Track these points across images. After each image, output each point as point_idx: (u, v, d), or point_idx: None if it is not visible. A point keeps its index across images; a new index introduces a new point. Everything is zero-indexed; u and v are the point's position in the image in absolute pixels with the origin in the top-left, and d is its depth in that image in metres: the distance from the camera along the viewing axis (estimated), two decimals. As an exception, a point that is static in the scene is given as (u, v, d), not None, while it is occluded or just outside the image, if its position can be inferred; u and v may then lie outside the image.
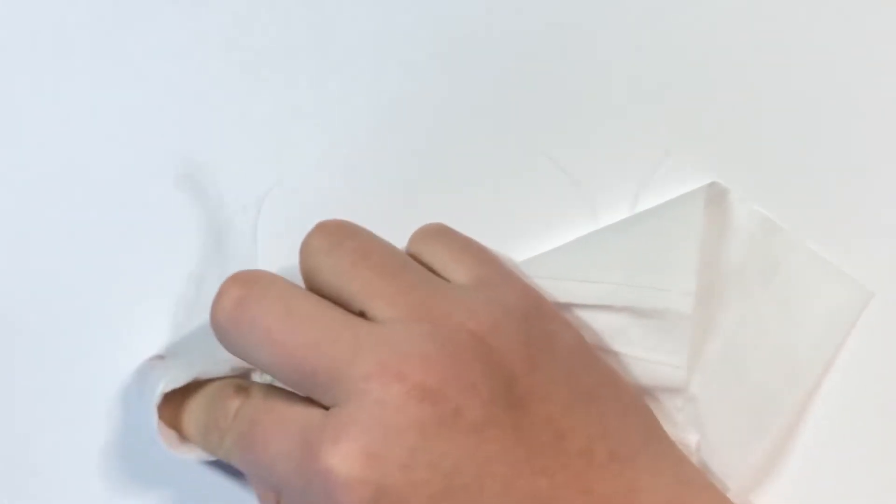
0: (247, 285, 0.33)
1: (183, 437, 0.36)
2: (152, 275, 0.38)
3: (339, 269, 0.33)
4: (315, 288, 0.34)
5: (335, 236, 0.34)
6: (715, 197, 0.38)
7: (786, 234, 0.38)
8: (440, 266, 0.35)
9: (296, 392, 0.33)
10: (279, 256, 0.38)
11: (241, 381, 0.35)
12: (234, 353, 0.33)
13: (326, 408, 0.31)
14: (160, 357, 0.37)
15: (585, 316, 0.36)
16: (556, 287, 0.36)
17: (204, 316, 0.37)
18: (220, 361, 0.35)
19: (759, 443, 0.37)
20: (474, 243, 0.36)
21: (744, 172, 0.39)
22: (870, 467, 0.38)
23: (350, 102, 0.39)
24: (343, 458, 0.30)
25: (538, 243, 0.38)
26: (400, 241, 0.36)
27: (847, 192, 0.39)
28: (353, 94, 0.39)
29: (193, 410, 0.35)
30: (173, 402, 0.35)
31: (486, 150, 0.39)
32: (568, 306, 0.36)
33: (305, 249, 0.34)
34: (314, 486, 0.30)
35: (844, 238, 0.39)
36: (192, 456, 0.35)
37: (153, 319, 0.38)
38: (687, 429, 0.36)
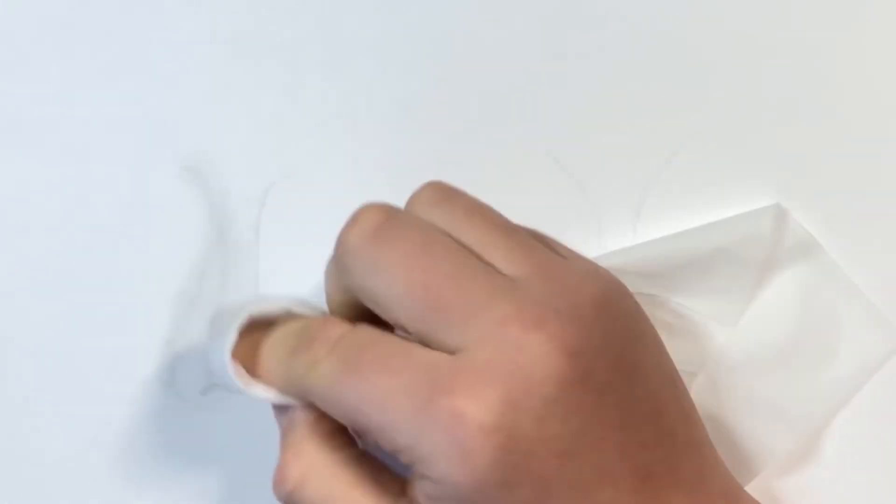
0: (387, 213, 0.31)
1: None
2: (155, 267, 0.38)
3: (454, 218, 0.32)
4: None
5: (445, 191, 0.33)
6: (776, 218, 0.37)
7: (830, 261, 0.38)
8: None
9: (417, 333, 0.30)
10: (282, 250, 0.38)
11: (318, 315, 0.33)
12: (355, 284, 0.31)
13: (451, 353, 0.30)
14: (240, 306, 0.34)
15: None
16: None
17: (206, 309, 0.37)
18: (314, 307, 0.32)
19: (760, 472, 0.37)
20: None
21: (749, 174, 0.39)
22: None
23: (354, 98, 0.39)
24: (480, 401, 0.28)
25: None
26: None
27: (858, 190, 0.39)
28: (358, 89, 0.39)
29: (278, 338, 0.33)
30: (248, 344, 0.33)
31: (490, 151, 0.39)
32: None
33: (416, 201, 0.32)
34: (436, 428, 0.29)
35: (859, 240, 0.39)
36: (260, 393, 0.32)
37: (155, 312, 0.38)
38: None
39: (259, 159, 0.39)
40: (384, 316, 0.31)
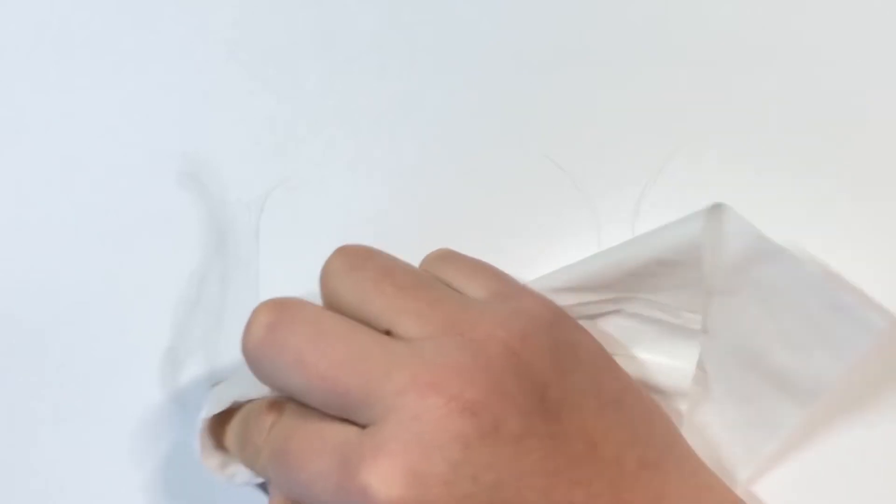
0: (276, 311, 0.32)
1: (229, 459, 0.35)
2: (154, 274, 0.38)
3: (362, 288, 0.33)
4: (338, 310, 0.33)
5: (355, 258, 0.33)
6: (714, 217, 0.37)
7: (790, 255, 0.37)
8: (456, 284, 0.34)
9: (334, 413, 0.32)
10: (281, 256, 0.38)
11: (276, 398, 0.34)
12: (266, 381, 0.33)
13: (362, 427, 0.31)
14: (216, 383, 0.37)
15: (595, 323, 0.36)
16: (566, 298, 0.36)
17: (206, 315, 0.37)
18: (260, 385, 0.34)
19: (755, 455, 0.37)
20: (483, 262, 0.36)
21: (748, 174, 0.39)
22: (876, 461, 0.38)
23: (353, 103, 0.39)
24: (382, 477, 0.29)
25: (540, 247, 0.38)
26: (404, 243, 0.36)
27: (857, 201, 0.39)
28: (356, 94, 0.39)
29: (234, 427, 0.35)
30: (221, 424, 0.35)
31: (490, 152, 0.39)
32: (579, 315, 0.36)
33: (326, 272, 0.34)
34: None
35: (851, 247, 0.38)
36: (238, 478, 0.35)
37: (154, 318, 0.38)
38: (684, 432, 0.36)
39: (258, 165, 0.39)
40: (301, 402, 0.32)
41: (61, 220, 0.38)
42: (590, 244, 0.38)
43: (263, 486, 0.36)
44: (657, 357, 0.36)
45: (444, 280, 0.35)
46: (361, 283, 0.33)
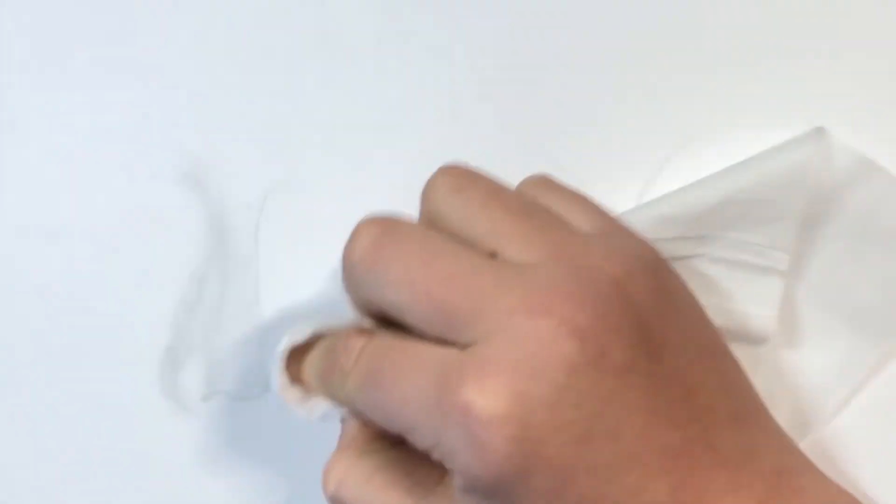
0: (382, 226, 0.31)
1: (306, 393, 0.34)
2: (154, 275, 0.38)
3: (469, 209, 0.32)
4: (440, 230, 0.32)
5: (462, 178, 0.33)
6: (819, 140, 0.36)
7: (889, 176, 0.37)
8: (560, 212, 0.33)
9: (433, 334, 0.31)
10: (281, 256, 0.38)
11: (364, 325, 0.33)
12: (365, 297, 0.32)
13: (463, 348, 0.30)
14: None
15: (682, 265, 0.36)
16: (660, 230, 0.36)
17: (206, 316, 0.37)
18: (343, 318, 0.33)
19: (831, 396, 0.37)
20: (582, 194, 0.35)
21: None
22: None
23: (352, 103, 0.39)
24: (487, 393, 0.28)
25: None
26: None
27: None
28: (355, 95, 0.39)
29: (314, 358, 0.34)
30: (294, 365, 0.34)
31: (489, 153, 0.39)
32: (670, 255, 0.36)
33: (430, 192, 0.33)
34: (452, 425, 0.29)
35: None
36: (317, 410, 0.33)
37: (154, 319, 0.38)
38: (769, 379, 0.36)
39: (258, 165, 0.39)
40: (400, 321, 0.31)
41: (61, 221, 0.38)
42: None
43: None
44: (740, 305, 0.36)
45: (549, 206, 0.34)
46: (468, 204, 0.32)
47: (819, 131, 0.36)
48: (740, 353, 0.36)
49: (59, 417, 0.37)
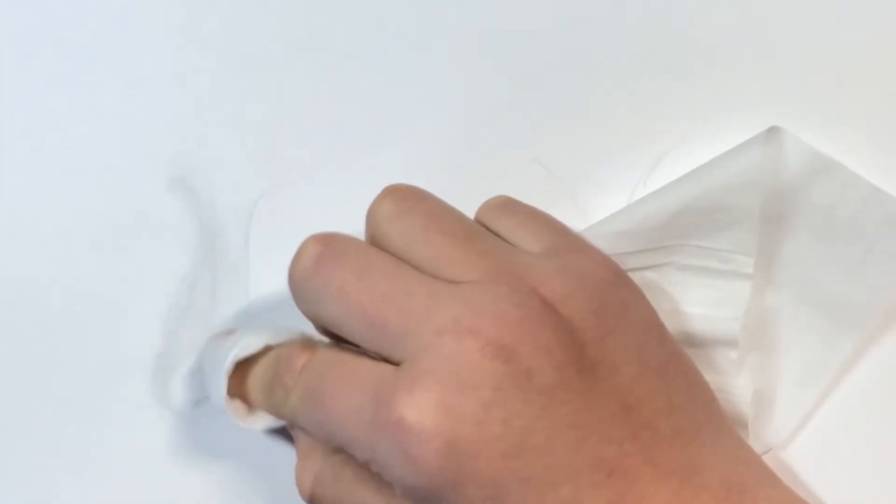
0: (325, 243, 0.33)
1: (249, 407, 0.35)
2: (144, 279, 0.38)
3: (411, 234, 0.33)
4: (384, 251, 0.33)
5: (406, 201, 0.34)
6: (772, 140, 0.37)
7: (844, 169, 0.37)
8: (508, 235, 0.34)
9: (366, 349, 0.32)
10: (271, 261, 0.38)
11: (307, 339, 0.34)
12: (308, 312, 0.33)
13: (397, 364, 0.31)
14: (230, 331, 0.36)
15: (645, 275, 0.36)
16: (621, 244, 0.36)
17: (197, 321, 0.37)
18: (292, 330, 0.34)
19: (811, 389, 0.37)
20: (542, 213, 0.36)
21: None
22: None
23: (342, 107, 0.39)
24: (417, 408, 0.30)
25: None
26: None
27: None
28: (345, 98, 0.39)
29: (258, 372, 0.35)
30: (239, 375, 0.35)
31: (478, 156, 0.39)
32: (633, 267, 0.36)
33: (374, 214, 0.34)
34: (385, 439, 0.30)
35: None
36: (258, 425, 0.35)
37: (144, 324, 0.38)
38: (740, 380, 0.37)
39: (247, 170, 0.39)
40: (340, 335, 0.33)
41: (50, 226, 0.38)
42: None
43: (281, 434, 0.37)
44: (707, 310, 0.36)
45: (498, 231, 0.35)
46: (409, 228, 0.33)
47: (773, 130, 0.36)
48: (716, 357, 0.36)
49: (49, 423, 0.37)
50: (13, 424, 0.37)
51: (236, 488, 0.38)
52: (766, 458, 0.34)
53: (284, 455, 0.38)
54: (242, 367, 0.35)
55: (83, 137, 0.39)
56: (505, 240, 0.34)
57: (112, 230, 0.38)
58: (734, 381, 0.36)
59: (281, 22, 0.39)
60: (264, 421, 0.34)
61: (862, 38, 0.40)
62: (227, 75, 0.39)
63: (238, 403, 0.34)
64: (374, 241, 0.34)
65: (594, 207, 0.39)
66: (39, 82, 0.39)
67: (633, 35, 0.39)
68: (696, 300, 0.37)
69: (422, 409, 0.30)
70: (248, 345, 0.34)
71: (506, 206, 0.36)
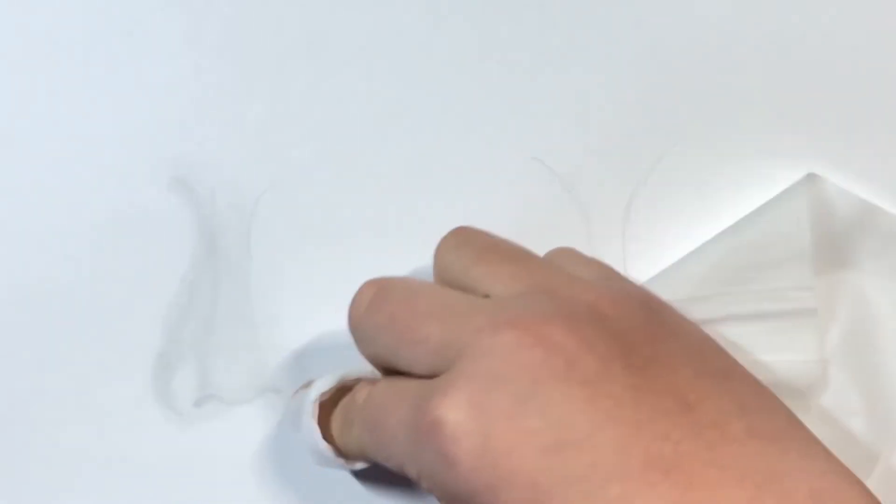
0: (378, 285, 0.33)
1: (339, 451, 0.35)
2: (145, 278, 0.38)
3: (466, 260, 0.33)
4: (447, 284, 0.34)
5: (464, 236, 0.35)
6: (815, 188, 0.36)
7: (889, 215, 0.36)
8: (564, 265, 0.34)
9: (423, 374, 0.31)
10: (272, 260, 0.38)
11: (374, 376, 0.34)
12: (367, 352, 0.33)
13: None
14: (308, 382, 0.36)
15: (708, 331, 0.34)
16: (675, 300, 0.34)
17: (198, 321, 0.37)
18: (363, 369, 0.35)
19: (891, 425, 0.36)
20: (600, 261, 0.36)
21: (738, 176, 0.39)
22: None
23: (342, 106, 0.39)
24: (449, 409, 0.29)
25: (530, 249, 0.38)
26: (395, 246, 0.36)
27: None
28: (346, 98, 0.39)
29: (336, 414, 0.35)
30: (325, 419, 0.35)
31: (479, 155, 0.39)
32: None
33: (439, 249, 0.35)
34: (426, 445, 0.29)
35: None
36: (357, 465, 0.35)
37: (146, 323, 0.38)
38: (827, 421, 0.36)
39: (248, 169, 0.39)
40: (398, 370, 0.32)
41: (51, 226, 0.38)
42: (580, 246, 0.38)
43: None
44: (781, 355, 0.35)
45: (551, 261, 0.35)
46: (466, 255, 0.34)
47: (811, 178, 0.36)
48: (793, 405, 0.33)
49: (50, 423, 0.37)
50: (13, 424, 0.37)
51: (236, 488, 0.38)
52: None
53: (284, 455, 0.37)
54: (327, 412, 0.35)
55: (84, 138, 0.38)
56: None
57: (112, 230, 0.38)
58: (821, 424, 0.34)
59: (281, 22, 0.39)
60: (352, 461, 0.34)
61: (862, 38, 0.40)
62: (227, 75, 0.39)
63: (326, 446, 0.34)
64: (440, 272, 0.34)
65: (594, 205, 0.39)
66: (40, 82, 0.39)
67: (636, 32, 0.39)
68: (768, 346, 0.35)
69: (454, 408, 0.29)
70: (322, 385, 0.34)
71: (567, 251, 0.36)
